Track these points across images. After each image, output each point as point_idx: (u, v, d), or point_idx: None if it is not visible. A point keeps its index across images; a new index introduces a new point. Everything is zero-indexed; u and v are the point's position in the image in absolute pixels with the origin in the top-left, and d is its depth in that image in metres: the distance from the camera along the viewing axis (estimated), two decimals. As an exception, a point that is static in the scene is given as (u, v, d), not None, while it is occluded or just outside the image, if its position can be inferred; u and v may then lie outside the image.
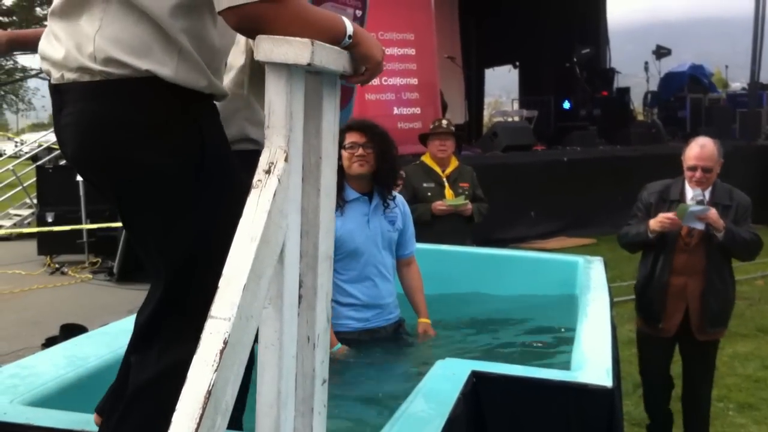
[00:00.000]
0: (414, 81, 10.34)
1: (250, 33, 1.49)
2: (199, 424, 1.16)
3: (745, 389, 5.64)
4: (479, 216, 5.41)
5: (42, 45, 1.77)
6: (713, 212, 3.94)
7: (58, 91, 1.73)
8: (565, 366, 2.82)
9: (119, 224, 9.85)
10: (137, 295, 8.46)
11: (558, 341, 3.57)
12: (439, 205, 5.23)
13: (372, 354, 3.46)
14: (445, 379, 2.42)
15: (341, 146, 3.67)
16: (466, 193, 5.36)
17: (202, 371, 1.20)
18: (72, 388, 2.45)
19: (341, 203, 3.60)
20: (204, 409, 1.18)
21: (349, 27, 1.60)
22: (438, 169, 5.41)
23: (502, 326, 3.96)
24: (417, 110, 10.33)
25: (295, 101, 1.40)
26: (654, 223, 4.02)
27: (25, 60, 35.67)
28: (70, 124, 1.69)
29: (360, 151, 3.64)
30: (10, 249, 11.45)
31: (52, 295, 9.10)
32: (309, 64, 1.40)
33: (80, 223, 10.25)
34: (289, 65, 1.41)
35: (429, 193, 5.31)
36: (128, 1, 1.63)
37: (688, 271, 4.09)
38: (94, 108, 1.65)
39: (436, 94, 10.91)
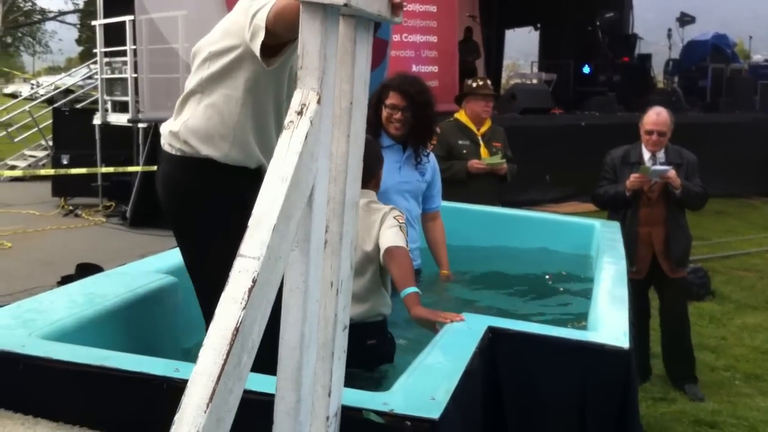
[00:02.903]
0: (434, 39, 10.26)
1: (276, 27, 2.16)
2: (226, 360, 1.16)
3: (752, 360, 5.66)
4: (511, 176, 5.38)
5: (162, 126, 2.65)
6: (672, 172, 4.67)
7: (161, 152, 2.63)
8: (582, 326, 2.82)
9: (134, 169, 9.88)
10: (150, 240, 8.50)
11: (575, 302, 3.57)
12: (476, 164, 5.18)
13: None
14: (462, 334, 2.42)
15: (383, 103, 3.68)
16: (500, 152, 5.32)
17: (230, 308, 1.20)
18: (90, 324, 2.45)
19: None
20: (231, 345, 1.17)
21: None
22: (473, 128, 5.35)
23: (519, 285, 3.96)
24: (435, 68, 10.26)
25: (329, 43, 1.38)
26: (629, 184, 4.73)
27: (43, 2, 35.44)
28: (160, 178, 2.61)
29: (398, 115, 3.68)
30: (25, 189, 11.51)
31: (66, 236, 9.16)
32: (345, 5, 1.37)
33: (95, 166, 10.27)
34: (324, 5, 1.38)
35: (464, 151, 5.24)
36: (209, 104, 2.48)
37: (652, 222, 4.84)
38: (172, 171, 2.57)
39: (455, 52, 10.79)
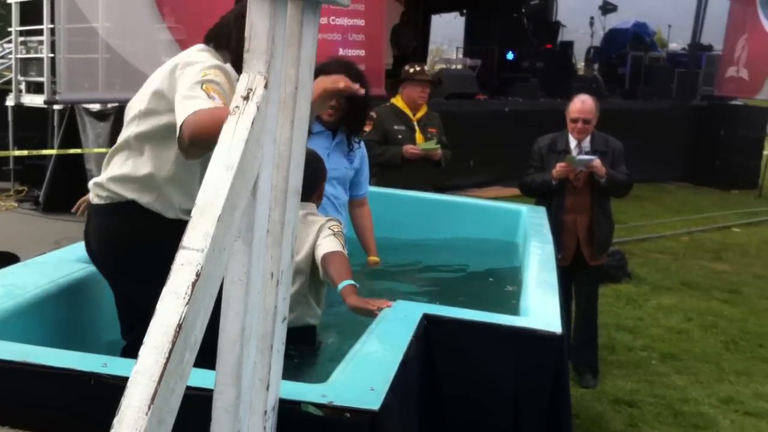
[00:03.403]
0: (361, 22, 10.14)
1: (194, 143, 2.20)
2: (168, 359, 1.11)
3: (668, 340, 5.85)
4: (445, 162, 5.40)
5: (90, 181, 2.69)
6: (597, 161, 4.72)
7: (89, 207, 2.68)
8: (514, 311, 2.84)
9: (48, 152, 9.54)
10: (64, 226, 8.21)
11: (505, 287, 3.60)
12: (411, 149, 5.17)
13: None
14: (398, 321, 2.40)
15: None
16: (435, 138, 5.33)
17: (173, 304, 1.14)
18: (11, 317, 2.33)
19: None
20: (174, 343, 1.12)
21: None
22: (409, 113, 5.34)
23: (449, 271, 3.98)
24: (362, 52, 10.14)
25: (278, 26, 1.32)
26: (555, 173, 4.76)
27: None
28: (92, 233, 2.63)
29: (333, 101, 3.60)
30: (-69, 173, 10.95)
31: (-24, 222, 8.78)
32: (293, -14, 1.32)
33: (7, 149, 9.86)
34: (273, -13, 1.33)
35: (400, 136, 5.23)
36: (137, 161, 2.53)
37: (577, 209, 4.90)
38: (102, 221, 2.60)
39: (382, 36, 10.72)
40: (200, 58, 2.43)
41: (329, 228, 2.96)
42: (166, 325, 1.14)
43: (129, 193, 2.54)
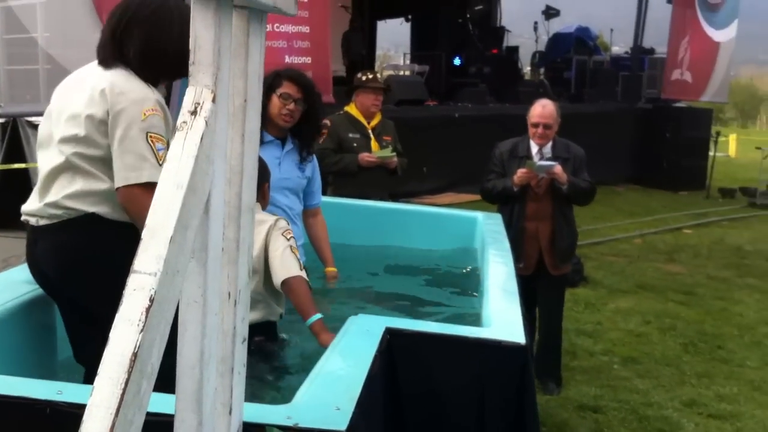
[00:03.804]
0: (306, 29, 10.05)
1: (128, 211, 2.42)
2: (124, 390, 1.04)
3: (628, 343, 5.87)
4: (401, 170, 5.37)
5: (24, 207, 2.58)
6: (558, 168, 4.63)
7: (35, 231, 2.55)
8: (476, 322, 2.81)
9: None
10: (11, 243, 7.95)
11: (465, 297, 3.57)
12: (367, 157, 5.14)
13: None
14: (360, 336, 2.35)
15: (273, 90, 3.56)
16: (390, 146, 5.30)
17: (127, 332, 1.07)
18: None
19: None
20: (129, 373, 1.05)
21: None
22: (364, 121, 5.31)
23: (407, 282, 3.93)
24: (308, 59, 10.06)
25: (223, 36, 1.27)
26: (516, 179, 4.66)
27: None
28: (40, 254, 2.53)
29: (292, 106, 3.57)
30: None
31: None
32: (240, -6, 1.27)
33: (-53, 164, 9.57)
34: (217, -5, 1.27)
35: (355, 144, 5.19)
36: (87, 178, 2.46)
37: (539, 217, 4.79)
38: (56, 240, 2.50)
39: (327, 43, 10.67)
40: (129, 85, 2.46)
41: (282, 235, 2.90)
42: (121, 354, 1.07)
43: (89, 207, 2.48)
